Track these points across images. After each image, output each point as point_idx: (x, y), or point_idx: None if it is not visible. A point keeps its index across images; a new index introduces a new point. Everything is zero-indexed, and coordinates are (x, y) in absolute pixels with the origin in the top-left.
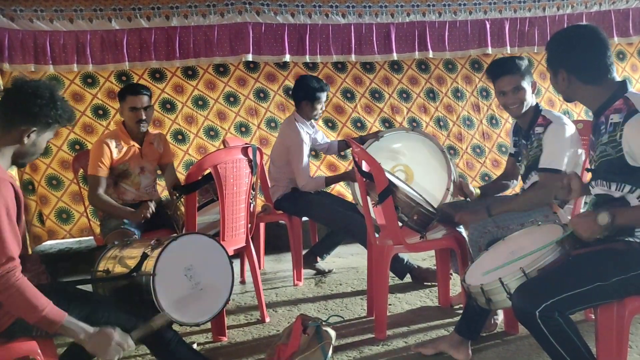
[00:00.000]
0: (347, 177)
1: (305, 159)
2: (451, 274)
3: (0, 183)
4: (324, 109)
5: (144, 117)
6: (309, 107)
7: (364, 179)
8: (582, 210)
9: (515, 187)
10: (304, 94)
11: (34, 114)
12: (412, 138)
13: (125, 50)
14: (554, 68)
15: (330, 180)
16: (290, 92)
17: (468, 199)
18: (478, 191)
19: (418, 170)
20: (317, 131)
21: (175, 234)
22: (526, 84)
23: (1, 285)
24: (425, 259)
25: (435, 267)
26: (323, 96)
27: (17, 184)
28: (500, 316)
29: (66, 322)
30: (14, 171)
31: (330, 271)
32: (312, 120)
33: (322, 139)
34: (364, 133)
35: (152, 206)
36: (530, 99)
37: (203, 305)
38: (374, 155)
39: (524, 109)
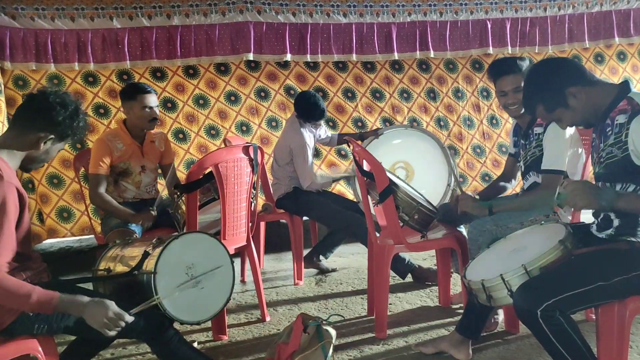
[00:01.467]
0: (348, 175)
1: (309, 160)
2: (452, 274)
3: (6, 187)
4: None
5: (158, 115)
6: (310, 124)
7: (365, 179)
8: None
9: (515, 187)
10: (308, 115)
11: (57, 122)
12: (412, 134)
13: (126, 49)
14: (560, 101)
15: (335, 179)
16: (292, 92)
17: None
18: (477, 197)
19: (418, 166)
20: (320, 127)
21: (176, 233)
22: None
23: None
24: (425, 259)
25: (436, 267)
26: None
27: (20, 186)
28: (500, 315)
29: (61, 298)
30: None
31: (334, 270)
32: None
33: (325, 133)
34: (363, 131)
35: (154, 213)
36: None
37: (204, 304)
38: (374, 152)
39: (523, 110)
